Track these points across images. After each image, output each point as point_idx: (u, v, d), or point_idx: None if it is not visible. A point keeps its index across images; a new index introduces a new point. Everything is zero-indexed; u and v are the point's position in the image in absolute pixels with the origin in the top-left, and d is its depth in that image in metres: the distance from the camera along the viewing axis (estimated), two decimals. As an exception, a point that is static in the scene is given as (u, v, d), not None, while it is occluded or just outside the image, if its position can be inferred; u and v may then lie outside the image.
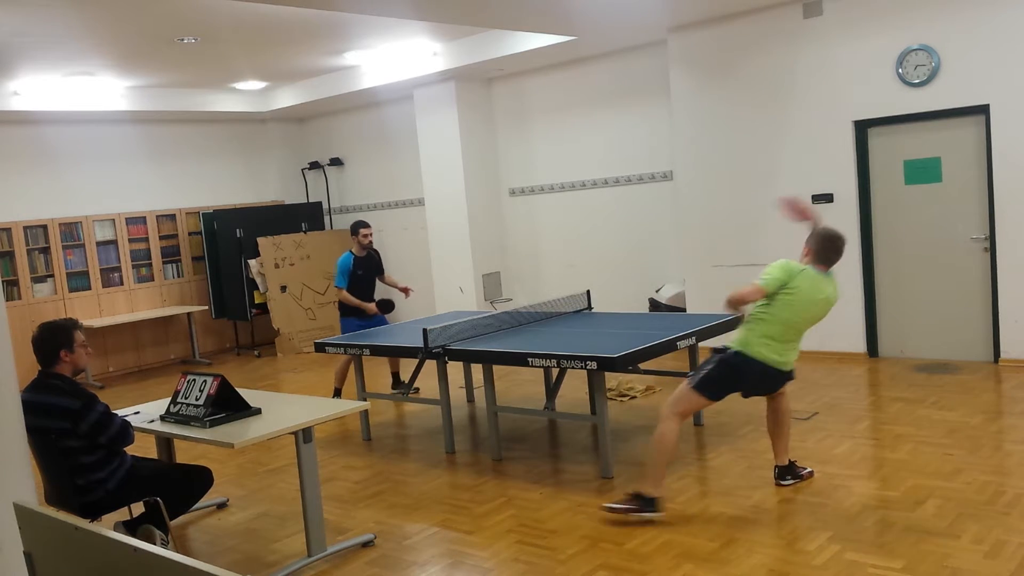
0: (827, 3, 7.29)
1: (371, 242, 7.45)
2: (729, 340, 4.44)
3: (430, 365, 5.80)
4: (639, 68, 8.94)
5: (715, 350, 4.44)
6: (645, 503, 4.26)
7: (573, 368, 4.93)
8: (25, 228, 9.79)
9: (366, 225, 7.42)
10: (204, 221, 11.02)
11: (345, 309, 7.33)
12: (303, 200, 12.29)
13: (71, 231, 10.13)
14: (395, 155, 11.38)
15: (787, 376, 4.46)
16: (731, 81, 7.95)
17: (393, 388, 7.47)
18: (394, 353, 6.56)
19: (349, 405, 4.47)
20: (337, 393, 7.22)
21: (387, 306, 7.33)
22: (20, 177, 9.87)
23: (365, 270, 7.39)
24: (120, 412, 4.44)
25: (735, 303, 4.28)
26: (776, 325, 4.27)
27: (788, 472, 4.66)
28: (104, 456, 4.01)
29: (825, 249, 4.35)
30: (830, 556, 3.75)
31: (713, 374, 4.35)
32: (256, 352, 10.87)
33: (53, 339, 4.02)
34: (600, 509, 4.40)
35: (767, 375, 4.37)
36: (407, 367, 7.39)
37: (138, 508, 4.35)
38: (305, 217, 11.48)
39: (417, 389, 7.06)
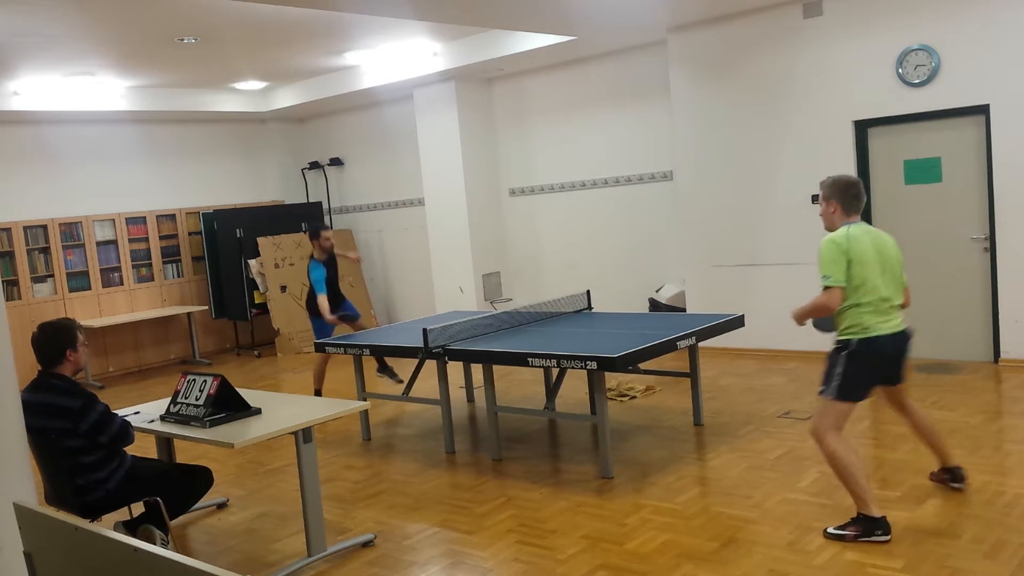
0: (827, 3, 7.29)
1: (332, 246, 7.37)
2: (838, 335, 4.02)
3: (430, 365, 5.80)
4: (639, 68, 8.94)
5: (834, 351, 4.01)
6: (869, 524, 3.87)
7: (573, 368, 4.93)
8: (25, 228, 9.79)
9: (327, 228, 7.38)
10: (204, 221, 11.02)
11: (314, 310, 7.24)
12: (303, 200, 12.29)
13: (71, 231, 10.13)
14: (395, 155, 11.38)
15: (909, 335, 4.07)
16: (731, 81, 7.95)
17: (378, 372, 7.40)
18: (394, 353, 6.53)
19: (349, 405, 4.46)
20: (318, 394, 7.22)
21: (350, 319, 7.43)
22: (20, 177, 9.87)
23: (331, 273, 7.36)
24: (120, 412, 4.44)
25: (811, 315, 3.96)
26: (873, 296, 3.89)
27: (956, 474, 4.34)
28: (104, 456, 4.01)
29: (851, 196, 4.03)
30: (830, 556, 3.75)
31: (850, 374, 3.92)
32: (256, 352, 10.87)
33: (57, 339, 4.02)
34: (823, 535, 3.98)
35: (897, 343, 4.01)
36: (408, 367, 7.38)
37: (138, 508, 4.35)
38: (305, 217, 11.45)
39: (402, 381, 7.01)
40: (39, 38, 7.09)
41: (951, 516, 4.05)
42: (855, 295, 3.91)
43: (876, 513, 3.88)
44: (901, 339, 4.04)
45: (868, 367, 3.97)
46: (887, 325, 3.96)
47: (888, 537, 3.84)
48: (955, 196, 6.97)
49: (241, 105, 11.01)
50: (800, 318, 4.08)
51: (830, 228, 4.11)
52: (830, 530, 3.99)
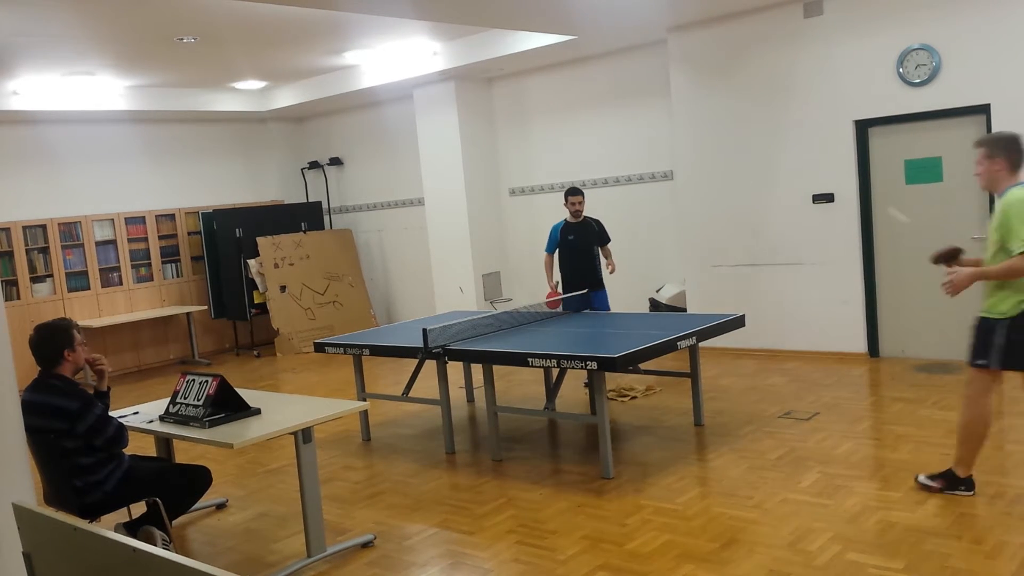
0: (827, 3, 7.29)
1: (579, 211, 7.10)
2: (992, 311, 3.97)
3: (430, 365, 5.79)
4: (639, 68, 8.94)
5: (981, 327, 3.98)
6: (954, 482, 4.27)
7: (573, 368, 4.93)
8: (24, 228, 9.78)
9: (575, 193, 7.10)
10: (203, 221, 11.02)
11: (591, 283, 6.98)
12: (303, 200, 12.28)
13: (70, 231, 10.12)
14: (395, 155, 11.37)
15: None
16: (731, 81, 7.94)
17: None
18: (394, 353, 6.43)
19: (349, 405, 4.46)
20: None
21: (589, 291, 6.96)
22: (20, 177, 9.86)
23: (578, 236, 7.10)
24: (119, 412, 4.44)
25: (997, 278, 3.82)
26: None
27: None
28: (102, 458, 3.99)
29: (1017, 153, 3.83)
30: (831, 556, 3.75)
31: (1014, 342, 3.86)
32: (255, 352, 10.86)
33: (54, 340, 4.02)
34: (915, 483, 4.42)
35: None
36: (408, 367, 7.37)
37: (139, 508, 4.34)
38: (305, 217, 11.47)
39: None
40: (39, 38, 7.08)
41: (951, 516, 4.05)
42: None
43: (965, 474, 4.25)
44: None
45: None
46: None
47: (972, 492, 4.23)
48: (955, 196, 6.96)
49: (241, 105, 11.01)
50: (969, 281, 3.90)
51: (990, 188, 3.96)
52: (921, 478, 4.39)
